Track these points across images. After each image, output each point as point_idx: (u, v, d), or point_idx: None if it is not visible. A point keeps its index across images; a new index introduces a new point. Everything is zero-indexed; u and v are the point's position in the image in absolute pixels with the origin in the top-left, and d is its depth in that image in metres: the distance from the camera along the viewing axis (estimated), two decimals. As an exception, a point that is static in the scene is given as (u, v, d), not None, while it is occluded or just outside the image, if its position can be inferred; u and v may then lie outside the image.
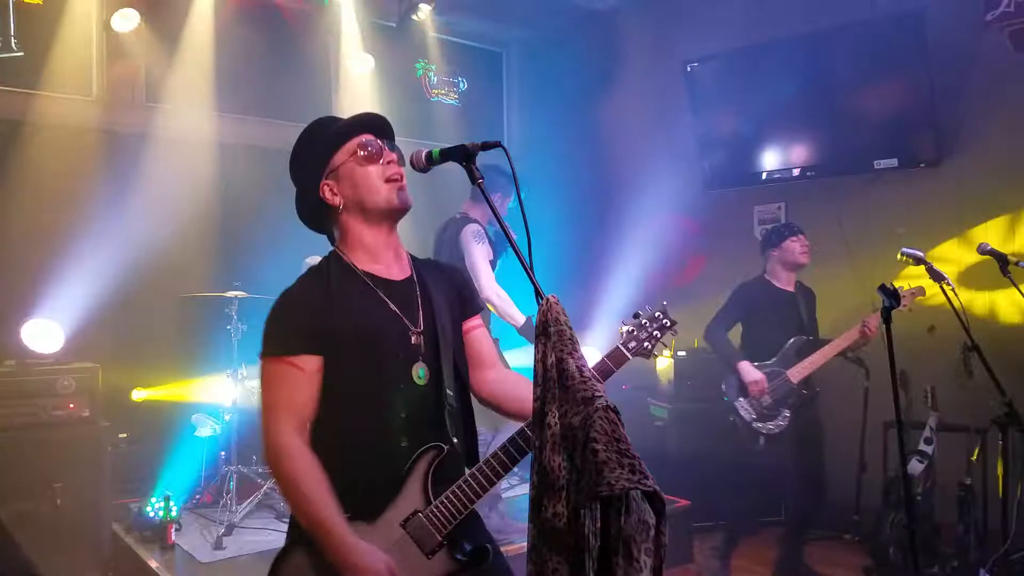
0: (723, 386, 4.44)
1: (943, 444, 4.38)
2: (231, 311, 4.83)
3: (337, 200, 1.98)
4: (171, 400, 5.18)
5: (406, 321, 1.97)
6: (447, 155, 1.78)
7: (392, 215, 2.00)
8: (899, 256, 3.30)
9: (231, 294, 4.81)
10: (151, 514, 4.38)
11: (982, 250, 3.35)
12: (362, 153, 1.96)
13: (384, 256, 2.02)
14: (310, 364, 1.89)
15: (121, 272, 4.97)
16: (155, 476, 4.84)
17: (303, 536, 1.83)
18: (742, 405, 4.31)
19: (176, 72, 5.48)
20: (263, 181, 5.28)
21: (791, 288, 4.41)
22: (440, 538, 1.88)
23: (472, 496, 1.91)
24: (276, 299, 1.97)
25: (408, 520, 1.88)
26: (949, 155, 5.01)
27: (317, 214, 2.04)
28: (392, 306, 1.97)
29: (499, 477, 1.95)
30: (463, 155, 1.74)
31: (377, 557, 1.80)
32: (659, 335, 2.13)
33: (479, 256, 4.21)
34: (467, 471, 1.93)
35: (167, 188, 5.25)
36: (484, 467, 1.92)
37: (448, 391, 1.99)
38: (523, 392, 2.12)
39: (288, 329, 1.91)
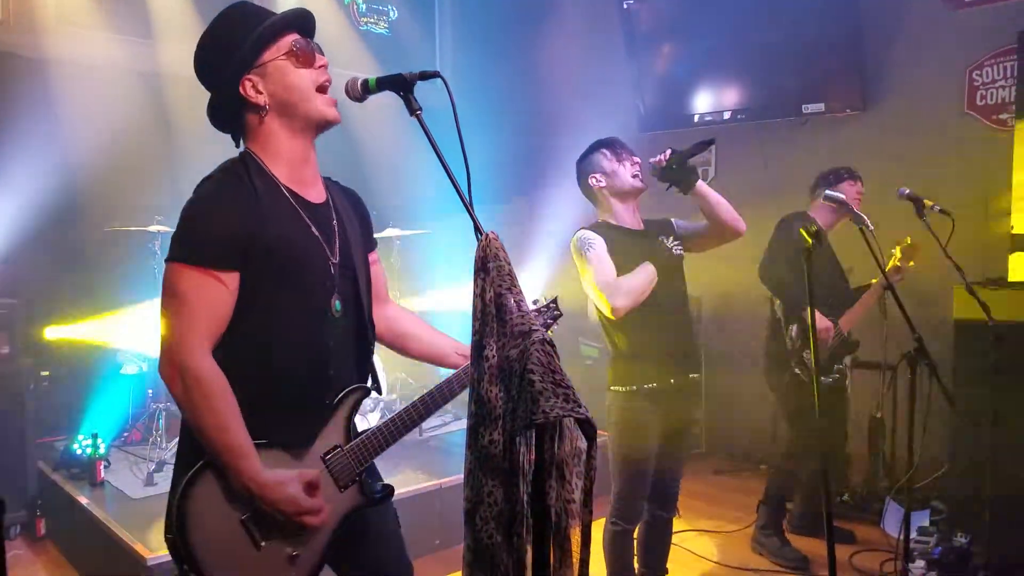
0: (789, 334, 3.96)
1: (857, 380, 4.60)
2: (155, 246, 4.72)
3: (262, 99, 1.82)
4: (90, 340, 5.04)
5: (326, 248, 1.90)
6: (384, 84, 1.73)
7: (320, 127, 1.90)
8: (823, 199, 3.42)
9: (154, 228, 4.69)
10: (78, 452, 4.32)
11: (901, 194, 3.47)
12: (296, 54, 1.84)
13: (303, 172, 1.90)
14: (232, 282, 1.76)
15: (40, 206, 4.78)
16: (80, 415, 4.76)
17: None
18: (808, 357, 3.85)
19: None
20: (185, 111, 5.11)
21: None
22: (355, 474, 1.91)
23: (390, 438, 1.95)
24: (194, 197, 1.79)
25: (328, 454, 1.88)
26: (875, 101, 5.16)
27: (229, 111, 1.88)
28: (314, 230, 1.88)
29: (418, 423, 2.01)
30: (401, 84, 1.68)
31: (281, 487, 1.75)
32: (551, 323, 2.32)
33: None
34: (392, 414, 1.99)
35: (85, 118, 5.03)
36: (404, 413, 1.98)
37: (367, 324, 1.99)
38: (414, 329, 2.23)
39: (213, 236, 1.74)
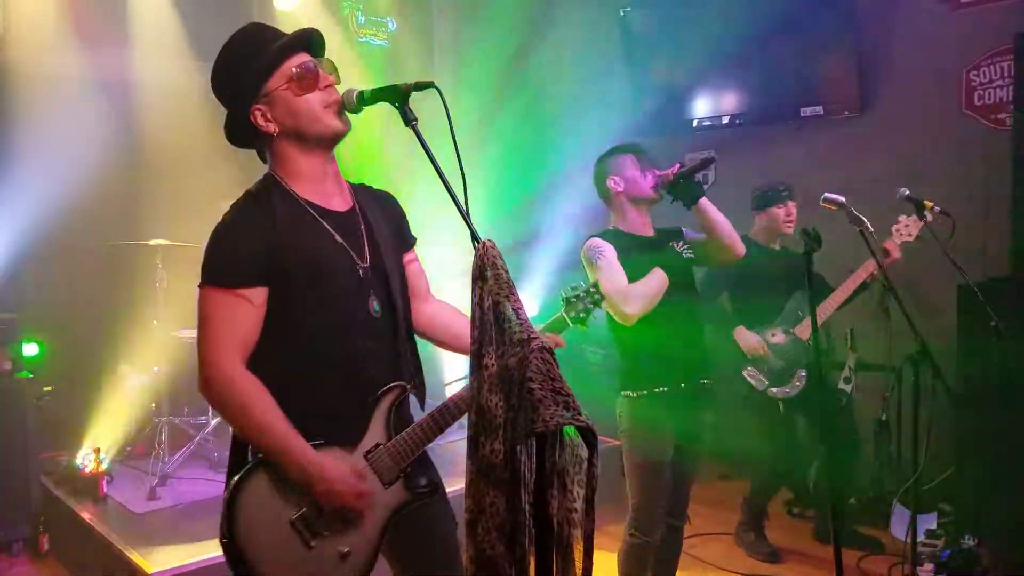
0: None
1: (861, 382, 4.58)
2: (156, 260, 4.72)
3: (271, 127, 1.88)
4: (95, 352, 5.03)
5: (353, 254, 1.94)
6: (379, 96, 1.75)
7: (333, 141, 1.93)
8: (821, 202, 3.41)
9: (154, 242, 4.69)
10: (81, 466, 4.31)
11: (900, 196, 3.47)
12: (299, 79, 1.86)
13: (324, 184, 1.96)
14: (258, 297, 1.84)
15: (39, 221, 4.78)
16: (83, 429, 4.75)
17: (261, 458, 1.83)
18: (750, 374, 4.07)
19: (88, 8, 5.22)
20: (184, 124, 5.11)
21: (776, 246, 4.28)
22: (399, 471, 1.94)
23: (430, 434, 1.98)
24: (218, 225, 1.88)
25: (371, 452, 1.92)
26: (872, 103, 5.15)
27: (247, 137, 1.95)
28: (339, 238, 1.93)
29: (455, 420, 2.02)
30: (396, 96, 1.70)
31: (342, 464, 1.83)
32: (592, 307, 2.35)
33: None
34: (426, 411, 2.01)
35: (84, 132, 5.03)
36: (443, 409, 1.99)
37: (403, 323, 2.03)
38: (458, 326, 2.24)
39: (235, 257, 1.83)
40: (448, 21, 7.41)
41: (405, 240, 2.18)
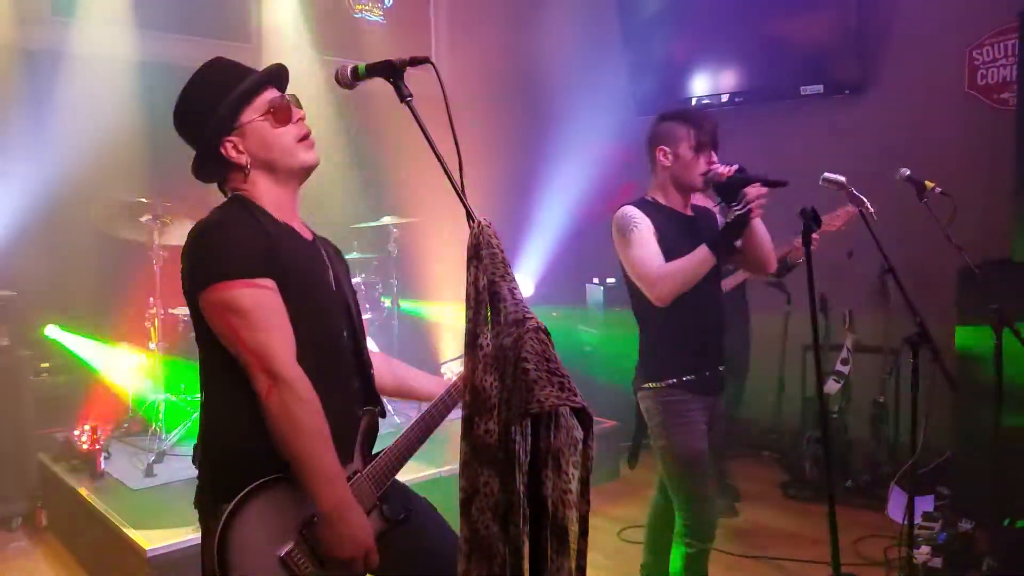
0: None
1: (859, 365, 4.58)
2: (153, 236, 4.68)
3: (243, 159, 1.83)
4: (92, 329, 5.02)
5: (330, 273, 1.94)
6: (373, 71, 1.71)
7: (305, 175, 1.92)
8: (821, 182, 3.38)
9: (148, 216, 4.64)
10: (78, 443, 4.31)
11: (900, 176, 3.44)
12: (275, 113, 1.85)
13: (291, 215, 1.92)
14: (276, 288, 1.74)
15: (40, 198, 4.76)
16: (80, 405, 4.75)
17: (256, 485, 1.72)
18: None
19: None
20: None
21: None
22: (375, 499, 1.90)
23: (402, 459, 1.96)
24: (206, 227, 1.77)
25: (351, 479, 1.86)
26: (873, 82, 5.12)
27: (214, 171, 1.90)
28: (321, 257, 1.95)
29: (423, 440, 2.03)
30: (390, 71, 1.67)
31: (370, 532, 1.75)
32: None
33: None
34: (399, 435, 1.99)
35: (86, 110, 4.99)
36: (411, 432, 1.98)
37: (365, 350, 2.00)
38: (397, 369, 2.25)
39: (243, 248, 1.72)
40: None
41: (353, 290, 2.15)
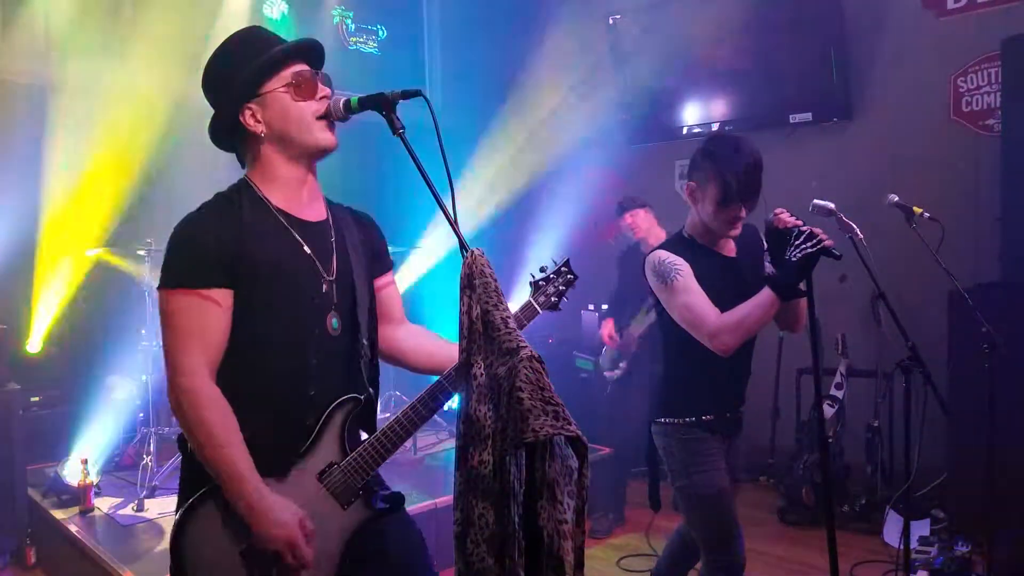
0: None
1: (852, 389, 4.58)
2: (143, 268, 4.68)
3: (260, 128, 1.82)
4: (82, 362, 4.99)
5: (319, 266, 1.88)
6: (366, 104, 1.73)
7: (319, 155, 1.89)
8: (810, 209, 3.40)
9: (142, 251, 4.65)
10: (68, 478, 4.26)
11: (889, 201, 3.46)
12: (297, 86, 1.83)
13: (300, 194, 1.89)
14: (225, 298, 1.76)
15: (27, 230, 4.75)
16: (71, 440, 4.70)
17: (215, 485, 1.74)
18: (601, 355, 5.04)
19: (79, 18, 5.19)
20: (173, 133, 5.08)
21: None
22: (356, 489, 1.86)
23: (389, 447, 1.89)
24: (179, 225, 1.80)
25: (324, 472, 1.84)
26: (861, 110, 5.18)
27: (230, 134, 1.89)
28: (306, 248, 1.87)
29: (415, 429, 1.94)
30: (383, 104, 1.68)
31: (289, 510, 1.74)
32: (564, 288, 2.19)
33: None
34: (385, 422, 1.91)
35: (71, 142, 5.00)
36: (402, 419, 1.90)
37: (364, 342, 1.94)
38: (429, 346, 2.14)
39: (199, 257, 1.75)
40: (438, 29, 7.43)
41: (382, 262, 2.11)
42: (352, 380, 1.92)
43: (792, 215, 2.47)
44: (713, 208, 2.56)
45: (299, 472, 1.82)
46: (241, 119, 1.83)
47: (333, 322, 1.88)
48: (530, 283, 2.17)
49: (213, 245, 1.75)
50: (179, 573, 1.74)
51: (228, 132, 1.88)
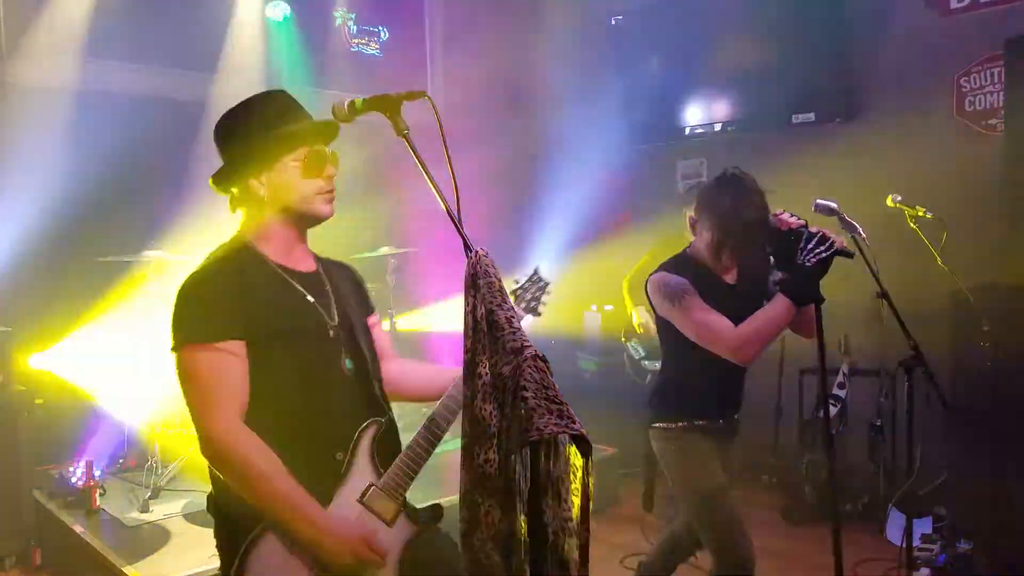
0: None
1: (855, 388, 4.58)
2: (148, 273, 4.69)
3: (263, 192, 1.92)
4: (80, 368, 4.98)
5: (323, 313, 1.97)
6: (371, 105, 1.74)
7: (316, 223, 1.99)
8: (813, 208, 3.41)
9: (146, 256, 4.65)
10: (73, 479, 4.28)
11: (892, 201, 3.47)
12: (309, 162, 1.91)
13: (293, 250, 2.00)
14: (240, 349, 1.82)
15: (29, 234, 4.76)
16: (75, 442, 4.71)
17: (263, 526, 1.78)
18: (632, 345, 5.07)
19: (93, 22, 5.21)
20: (179, 138, 5.09)
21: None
22: (398, 506, 1.91)
23: (419, 460, 1.95)
24: (184, 284, 1.87)
25: (364, 495, 1.89)
26: (864, 109, 5.18)
27: (231, 185, 1.97)
28: (309, 297, 1.96)
29: (439, 440, 2.00)
30: (388, 105, 1.70)
31: (350, 526, 1.81)
32: (540, 293, 2.33)
33: None
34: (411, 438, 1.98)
35: (73, 145, 5.01)
36: (425, 432, 1.96)
37: (374, 377, 2.03)
38: (428, 371, 2.27)
39: (212, 312, 1.81)
40: (440, 30, 7.43)
41: (367, 305, 2.22)
42: (372, 409, 2.00)
43: (793, 215, 2.51)
44: (709, 254, 2.69)
45: (340, 500, 1.87)
46: (245, 182, 1.92)
47: (347, 363, 1.97)
48: (510, 292, 2.25)
49: (221, 299, 1.83)
50: None
51: (230, 186, 1.96)
